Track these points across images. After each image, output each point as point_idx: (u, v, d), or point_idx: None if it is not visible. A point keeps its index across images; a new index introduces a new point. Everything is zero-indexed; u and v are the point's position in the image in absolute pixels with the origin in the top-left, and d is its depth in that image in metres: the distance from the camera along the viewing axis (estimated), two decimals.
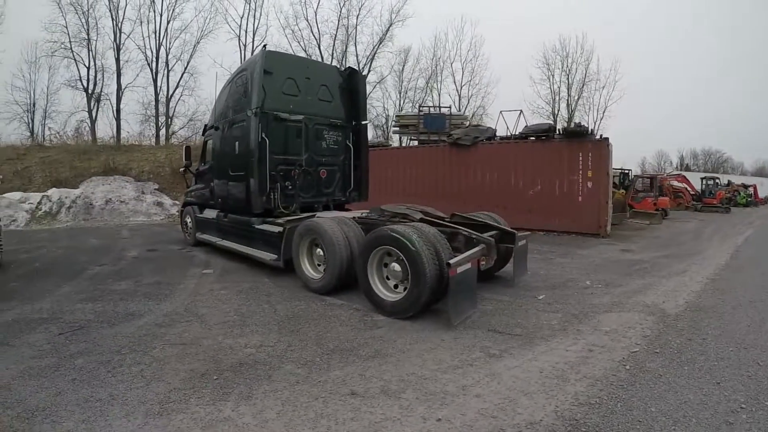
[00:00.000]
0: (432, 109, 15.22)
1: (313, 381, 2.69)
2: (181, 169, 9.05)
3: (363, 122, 7.62)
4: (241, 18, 26.48)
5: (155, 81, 24.53)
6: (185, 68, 25.10)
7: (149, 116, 25.38)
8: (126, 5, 22.92)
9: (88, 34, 22.01)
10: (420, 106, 16.30)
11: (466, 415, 2.29)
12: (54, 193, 12.62)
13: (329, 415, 2.27)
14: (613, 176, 14.02)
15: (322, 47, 27.61)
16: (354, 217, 5.60)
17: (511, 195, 10.34)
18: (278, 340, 3.43)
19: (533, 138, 10.15)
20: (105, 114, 24.72)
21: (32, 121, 23.55)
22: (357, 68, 7.94)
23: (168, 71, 24.77)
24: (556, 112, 29.92)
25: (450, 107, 16.59)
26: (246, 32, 26.55)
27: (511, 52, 43.75)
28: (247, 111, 6.06)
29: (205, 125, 8.14)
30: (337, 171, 7.29)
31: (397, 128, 15.35)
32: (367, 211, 5.92)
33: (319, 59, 26.98)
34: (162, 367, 2.94)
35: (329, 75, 7.32)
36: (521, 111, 11.56)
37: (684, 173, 26.36)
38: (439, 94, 30.54)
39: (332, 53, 27.75)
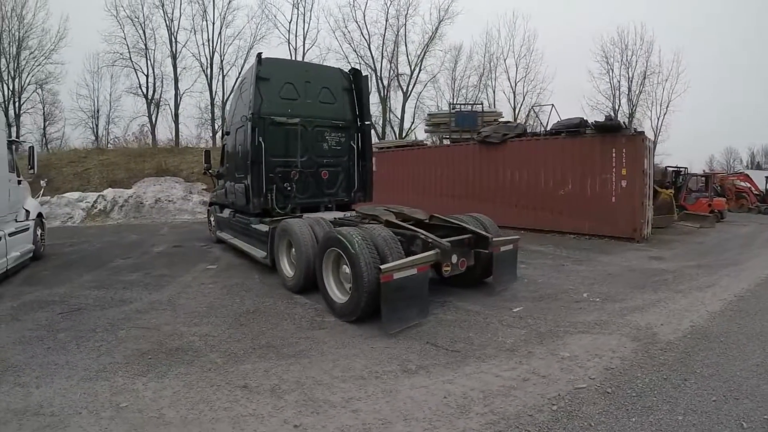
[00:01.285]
0: (464, 107, 15.30)
1: (222, 371, 3.23)
2: (203, 172, 10.31)
3: (367, 123, 8.14)
4: (290, 23, 28.65)
5: (210, 86, 27.35)
6: (240, 73, 27.54)
7: (206, 120, 28.29)
8: (180, 15, 25.93)
9: (145, 45, 25.30)
10: (451, 104, 16.46)
11: (325, 428, 2.45)
12: (109, 192, 14.92)
13: (210, 401, 2.78)
14: (669, 174, 13.09)
15: (372, 48, 29.28)
16: (335, 218, 6.16)
17: (540, 195, 10.23)
18: (223, 332, 4.07)
19: (564, 134, 9.91)
20: (165, 118, 27.97)
21: (96, 126, 27.49)
22: (360, 69, 8.36)
23: (223, 76, 27.51)
24: (617, 107, 29.55)
25: (482, 104, 16.49)
26: (296, 36, 28.83)
27: (568, 46, 42.61)
28: (241, 117, 6.90)
29: (223, 130, 9.26)
30: (340, 172, 7.85)
31: (430, 127, 15.64)
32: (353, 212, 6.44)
33: (371, 60, 29.11)
34: (118, 344, 3.75)
35: (331, 77, 7.92)
36: (553, 105, 11.30)
37: (748, 172, 23.48)
38: (494, 92, 31.42)
39: (382, 53, 29.34)
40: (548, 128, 10.90)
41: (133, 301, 5.10)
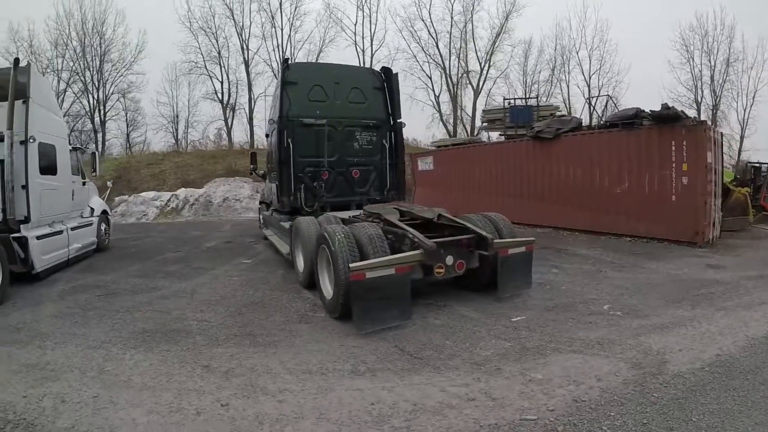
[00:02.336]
0: (518, 101, 14.87)
1: (197, 351, 3.74)
2: (250, 173, 11.41)
3: (399, 121, 8.43)
4: (355, 25, 29.94)
5: None
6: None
7: None
8: (250, 24, 28.29)
9: (219, 53, 27.96)
10: (505, 99, 16.06)
11: (245, 411, 2.74)
12: (181, 192, 16.99)
13: (172, 374, 3.28)
14: (749, 170, 11.37)
15: (440, 45, 29.86)
16: (350, 216, 6.54)
17: (596, 193, 9.68)
18: (220, 319, 4.63)
19: (619, 126, 9.25)
20: (240, 121, 30.53)
21: (176, 130, 30.55)
22: (389, 67, 8.65)
23: None
24: (700, 99, 28.39)
25: (537, 98, 15.80)
26: (363, 38, 30.05)
27: (643, 35, 39.39)
28: (269, 120, 7.59)
29: (265, 132, 10.19)
30: (372, 171, 8.23)
31: (485, 124, 15.43)
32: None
33: (439, 58, 29.79)
34: (130, 323, 4.50)
35: (361, 77, 8.34)
36: (609, 96, 10.55)
37: None
38: (568, 86, 30.89)
39: (450, 50, 29.89)
40: (604, 120, 10.22)
41: (161, 288, 5.97)
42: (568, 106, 29.21)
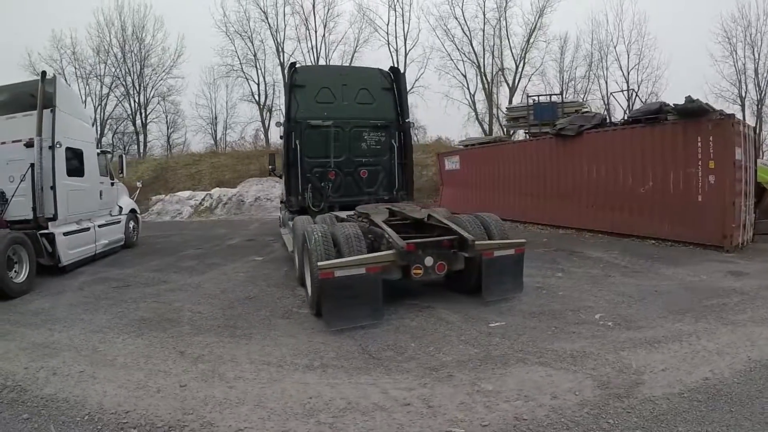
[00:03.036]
0: (542, 98, 14.64)
1: (180, 339, 4.20)
2: (269, 173, 12.08)
3: (407, 120, 8.69)
4: (387, 25, 30.46)
5: None
6: None
7: None
8: (285, 26, 29.49)
9: (255, 56, 29.38)
10: (529, 96, 15.80)
11: (198, 392, 3.10)
12: (216, 191, 18.10)
13: (150, 357, 3.76)
14: None
15: (474, 43, 29.99)
16: (347, 215, 6.89)
17: (619, 193, 9.45)
18: (212, 311, 5.12)
19: (643, 122, 8.97)
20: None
21: (215, 132, 32.32)
22: (398, 67, 8.96)
23: None
24: (744, 94, 27.78)
25: (561, 94, 15.41)
26: (396, 38, 30.56)
27: (684, 28, 37.76)
28: (276, 123, 8.13)
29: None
30: (380, 171, 8.55)
31: (509, 122, 15.34)
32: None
33: (473, 56, 30.00)
34: (132, 312, 5.12)
35: (369, 78, 8.66)
36: (634, 90, 10.14)
37: None
38: (606, 82, 30.29)
39: (484, 48, 29.94)
40: (627, 116, 9.91)
41: (171, 282, 6.61)
42: (606, 103, 28.48)
